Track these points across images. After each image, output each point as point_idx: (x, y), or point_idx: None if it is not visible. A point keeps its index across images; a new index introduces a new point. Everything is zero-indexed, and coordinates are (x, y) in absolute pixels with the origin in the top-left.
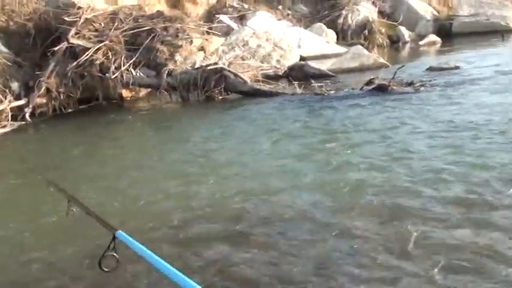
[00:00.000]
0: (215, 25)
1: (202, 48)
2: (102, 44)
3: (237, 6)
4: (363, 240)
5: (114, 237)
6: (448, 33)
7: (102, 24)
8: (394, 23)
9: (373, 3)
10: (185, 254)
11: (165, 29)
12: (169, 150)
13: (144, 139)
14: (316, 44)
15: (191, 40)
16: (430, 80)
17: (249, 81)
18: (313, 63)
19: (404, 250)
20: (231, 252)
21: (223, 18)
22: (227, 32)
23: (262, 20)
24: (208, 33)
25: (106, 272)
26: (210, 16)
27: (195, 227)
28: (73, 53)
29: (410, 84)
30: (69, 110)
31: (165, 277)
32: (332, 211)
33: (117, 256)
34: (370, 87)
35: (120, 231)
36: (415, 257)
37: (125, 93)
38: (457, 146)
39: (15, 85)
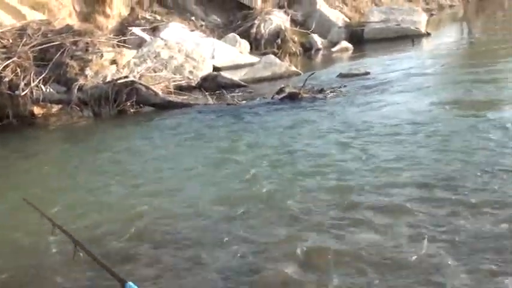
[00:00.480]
0: (127, 38)
1: (114, 62)
2: (11, 60)
3: (149, 18)
4: (263, 247)
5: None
6: (360, 39)
7: (10, 41)
8: (307, 31)
9: (286, 12)
10: (89, 274)
11: (75, 43)
12: (81, 163)
13: (57, 154)
14: (230, 54)
15: (101, 54)
16: (340, 86)
17: (160, 93)
18: (226, 74)
19: (300, 256)
20: (138, 270)
21: (136, 30)
22: (140, 44)
23: (175, 31)
24: (119, 46)
25: None
26: (122, 29)
27: (101, 243)
28: None
29: (320, 91)
30: None
31: None
32: (233, 219)
33: None
34: (281, 96)
35: (130, 282)
36: (308, 263)
37: (36, 110)
38: (345, 144)
39: None
